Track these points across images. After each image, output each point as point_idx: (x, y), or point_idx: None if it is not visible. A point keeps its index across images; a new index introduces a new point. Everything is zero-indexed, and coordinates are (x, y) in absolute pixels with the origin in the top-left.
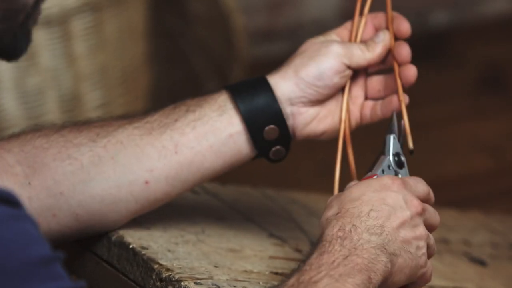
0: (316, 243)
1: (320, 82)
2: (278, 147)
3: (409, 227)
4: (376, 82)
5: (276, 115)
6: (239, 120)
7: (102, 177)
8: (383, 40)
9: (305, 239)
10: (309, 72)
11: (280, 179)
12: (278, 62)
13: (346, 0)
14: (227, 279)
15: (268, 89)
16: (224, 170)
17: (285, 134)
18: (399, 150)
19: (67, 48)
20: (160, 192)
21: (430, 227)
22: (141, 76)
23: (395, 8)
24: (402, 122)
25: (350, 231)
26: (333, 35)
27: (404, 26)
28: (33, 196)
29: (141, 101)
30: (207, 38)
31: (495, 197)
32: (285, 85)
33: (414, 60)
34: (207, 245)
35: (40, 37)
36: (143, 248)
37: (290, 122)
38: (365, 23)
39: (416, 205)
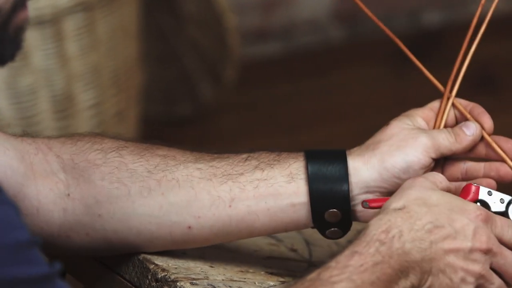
0: (359, 235)
1: (405, 175)
2: (336, 228)
3: (463, 257)
4: (455, 168)
5: (343, 202)
6: (306, 194)
7: (146, 211)
8: (474, 135)
9: (300, 238)
10: (396, 164)
11: None
12: (271, 62)
13: (339, 0)
14: (222, 279)
15: (345, 175)
16: (275, 232)
17: (346, 220)
18: None
19: (60, 48)
20: (201, 239)
21: (504, 276)
22: (134, 76)
23: (387, 8)
24: None
25: (394, 237)
26: (418, 119)
27: (511, 146)
28: (69, 209)
29: (134, 101)
30: (199, 38)
31: None
32: (367, 172)
33: (406, 60)
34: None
35: (33, 37)
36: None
37: (358, 208)
38: (451, 106)
39: (484, 241)
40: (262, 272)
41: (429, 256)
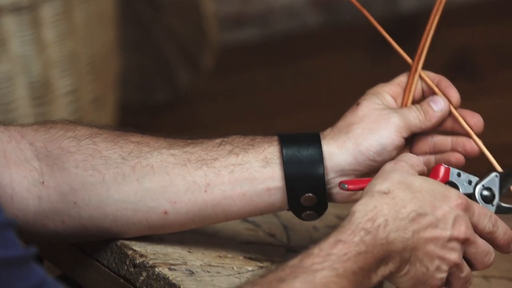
0: (344, 221)
1: (380, 157)
2: (312, 212)
3: (441, 246)
4: (424, 143)
5: (318, 186)
6: (281, 178)
7: (121, 197)
8: (442, 110)
9: (278, 223)
10: (371, 147)
11: None
12: (248, 48)
13: None
14: (201, 265)
15: (320, 159)
16: (251, 216)
17: (321, 203)
18: (497, 191)
19: (37, 35)
20: (177, 224)
21: (473, 264)
22: (111, 63)
23: None
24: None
25: (379, 226)
26: (387, 96)
27: (477, 121)
28: (44, 196)
29: (111, 87)
30: (177, 24)
31: None
32: (342, 156)
33: (383, 45)
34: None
35: (10, 24)
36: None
37: (334, 191)
38: (417, 81)
39: (462, 231)
40: (241, 257)
41: (410, 246)
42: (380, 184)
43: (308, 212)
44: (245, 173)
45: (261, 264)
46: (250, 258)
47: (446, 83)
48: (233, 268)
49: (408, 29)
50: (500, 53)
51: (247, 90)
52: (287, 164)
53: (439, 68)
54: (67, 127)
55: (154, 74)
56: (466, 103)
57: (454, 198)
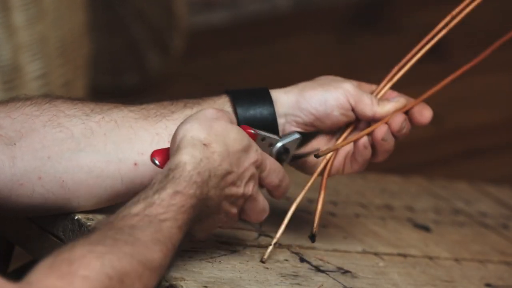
0: (171, 167)
1: (321, 107)
2: None
3: (231, 202)
4: (365, 138)
5: (271, 127)
6: (235, 123)
7: (92, 149)
8: (397, 102)
9: None
10: (314, 95)
11: None
12: (218, 30)
13: None
14: None
15: (268, 101)
16: None
17: None
18: (292, 150)
19: (6, 19)
20: (147, 177)
21: (249, 216)
22: (81, 46)
23: None
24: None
25: (204, 182)
26: (354, 83)
27: (425, 116)
28: (17, 156)
29: (81, 71)
30: (146, 7)
31: (436, 163)
32: (286, 99)
33: (354, 27)
34: None
35: None
36: (89, 219)
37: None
38: (388, 88)
39: (250, 189)
40: (213, 242)
41: (215, 201)
42: (198, 130)
43: None
44: None
45: (233, 248)
46: (222, 242)
47: (422, 105)
48: (205, 253)
49: (377, 10)
50: (469, 34)
51: (216, 72)
52: (238, 109)
53: (408, 49)
54: (23, 99)
55: (124, 57)
56: (435, 84)
57: (253, 155)
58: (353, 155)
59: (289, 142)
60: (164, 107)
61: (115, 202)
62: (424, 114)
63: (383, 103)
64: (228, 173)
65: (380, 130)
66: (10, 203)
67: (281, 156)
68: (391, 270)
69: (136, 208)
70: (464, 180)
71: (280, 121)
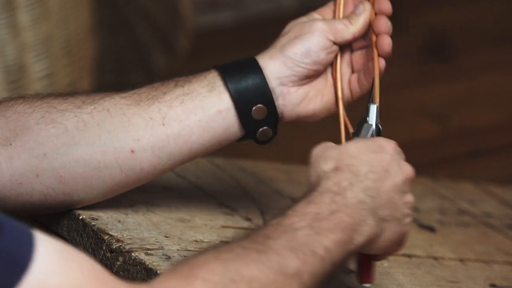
0: (306, 192)
1: (308, 59)
2: (265, 127)
3: (400, 192)
4: (359, 57)
5: (264, 95)
6: (228, 97)
7: (87, 142)
8: (364, 11)
9: (254, 207)
10: (296, 50)
11: (227, 147)
12: (223, 30)
13: None
14: (177, 249)
15: (257, 69)
16: (213, 147)
17: (273, 114)
18: (378, 120)
19: (12, 19)
20: (146, 163)
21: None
22: (86, 46)
23: None
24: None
25: (346, 188)
26: (315, 15)
27: (385, 5)
28: (14, 156)
29: (86, 71)
30: (152, 7)
31: (441, 164)
32: (273, 64)
33: None
34: (157, 215)
35: None
36: (93, 219)
37: (279, 102)
38: (345, 1)
39: (409, 170)
40: (217, 242)
41: (380, 203)
42: (324, 164)
43: (262, 129)
44: (195, 100)
45: None
46: (227, 243)
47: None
48: None
49: None
50: (474, 34)
51: None
52: (230, 83)
53: (414, 49)
54: (15, 98)
55: (129, 57)
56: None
57: (386, 144)
58: (359, 76)
59: (376, 116)
60: (155, 89)
61: (116, 192)
62: (384, 4)
63: (354, 19)
64: (374, 173)
65: (380, 22)
66: (11, 203)
67: (378, 132)
68: (395, 271)
69: (272, 222)
70: (469, 181)
71: (275, 86)
